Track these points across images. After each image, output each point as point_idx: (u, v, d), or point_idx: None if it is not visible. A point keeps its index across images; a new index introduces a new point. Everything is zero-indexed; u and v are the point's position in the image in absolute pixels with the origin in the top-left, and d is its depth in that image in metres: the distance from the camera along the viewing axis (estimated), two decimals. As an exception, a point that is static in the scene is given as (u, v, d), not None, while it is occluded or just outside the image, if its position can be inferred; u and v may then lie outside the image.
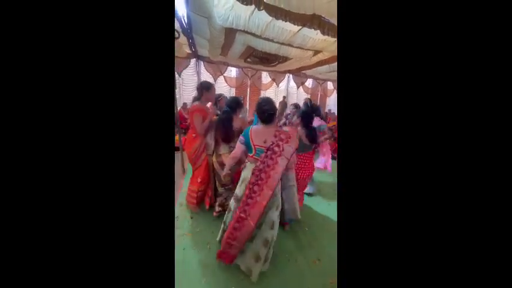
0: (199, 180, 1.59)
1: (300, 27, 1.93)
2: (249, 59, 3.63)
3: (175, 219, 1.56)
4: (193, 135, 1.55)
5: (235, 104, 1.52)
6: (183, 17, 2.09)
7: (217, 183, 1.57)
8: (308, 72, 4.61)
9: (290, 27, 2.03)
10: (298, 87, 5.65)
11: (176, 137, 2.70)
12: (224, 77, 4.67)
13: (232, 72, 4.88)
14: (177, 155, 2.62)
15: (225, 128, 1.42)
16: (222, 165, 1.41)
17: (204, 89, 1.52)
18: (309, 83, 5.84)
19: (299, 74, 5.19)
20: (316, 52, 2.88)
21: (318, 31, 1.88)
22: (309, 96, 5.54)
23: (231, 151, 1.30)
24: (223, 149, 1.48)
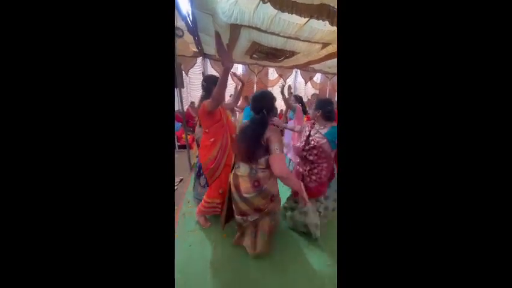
0: (221, 191, 1.29)
1: (307, 19, 1.84)
2: (254, 55, 3.57)
3: (182, 216, 1.60)
4: (211, 139, 1.23)
5: (270, 104, 0.92)
6: (188, 15, 2.09)
7: (234, 208, 1.07)
8: (316, 66, 4.44)
9: (297, 19, 1.95)
10: (306, 83, 5.49)
11: (184, 136, 2.75)
12: (230, 74, 4.65)
13: (239, 69, 4.85)
14: (184, 153, 2.68)
15: (252, 143, 0.87)
16: (238, 190, 0.97)
17: (212, 84, 1.20)
18: (317, 77, 5.64)
19: (307, 69, 5.03)
20: (325, 45, 2.75)
21: (327, 22, 1.78)
22: (317, 92, 5.37)
23: (252, 174, 0.90)
24: (243, 168, 0.95)
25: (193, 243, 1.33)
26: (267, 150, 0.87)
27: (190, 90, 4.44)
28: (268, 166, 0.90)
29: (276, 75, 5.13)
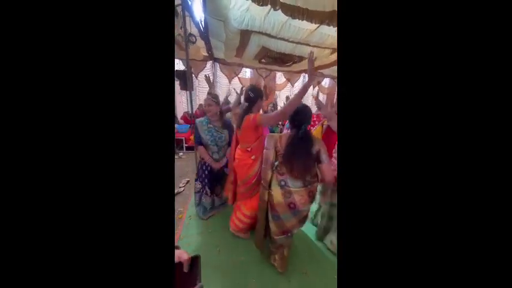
0: (248, 213, 1.28)
1: (318, 25, 1.84)
2: (263, 60, 3.61)
3: (188, 219, 1.61)
4: (253, 157, 1.15)
5: (310, 118, 0.98)
6: (201, 21, 2.16)
7: (274, 228, 1.05)
8: (325, 71, 4.42)
9: (307, 25, 1.96)
10: (314, 87, 5.46)
11: (192, 137, 2.80)
12: (238, 78, 4.72)
13: (247, 73, 4.91)
14: (192, 155, 2.72)
15: (307, 158, 0.91)
16: (293, 208, 0.95)
17: (259, 97, 1.15)
18: (325, 82, 5.60)
19: (315, 74, 5.00)
20: (335, 50, 2.74)
21: (338, 28, 1.77)
22: (324, 96, 5.32)
23: (307, 186, 0.93)
24: (294, 183, 0.94)
25: (198, 247, 1.32)
26: (317, 161, 0.95)
27: (199, 93, 4.54)
28: (316, 176, 0.98)
29: (284, 79, 5.14)
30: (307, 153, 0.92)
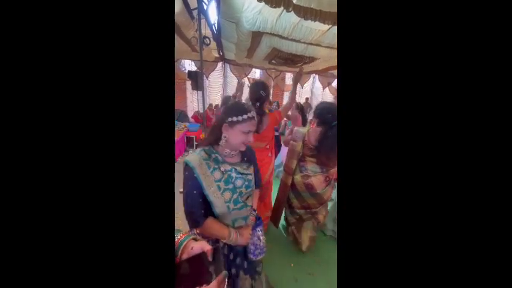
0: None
1: (331, 25, 1.82)
2: (273, 61, 3.62)
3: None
4: (269, 154, 1.21)
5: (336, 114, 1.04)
6: (214, 24, 2.23)
7: (295, 202, 1.23)
8: (336, 72, 4.34)
9: (319, 26, 1.95)
10: (324, 88, 5.38)
11: (202, 135, 2.89)
12: (248, 78, 4.78)
13: (256, 73, 4.96)
14: (202, 153, 2.78)
15: (335, 150, 1.03)
16: (311, 188, 1.14)
17: (269, 95, 1.16)
18: (336, 83, 5.49)
19: (326, 75, 4.93)
20: (347, 51, 2.68)
21: (351, 29, 1.74)
22: (334, 96, 5.22)
23: (324, 172, 1.14)
24: (313, 169, 1.14)
25: (207, 241, 1.36)
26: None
27: (209, 93, 4.65)
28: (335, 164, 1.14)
29: (294, 80, 5.11)
30: (336, 146, 1.07)
